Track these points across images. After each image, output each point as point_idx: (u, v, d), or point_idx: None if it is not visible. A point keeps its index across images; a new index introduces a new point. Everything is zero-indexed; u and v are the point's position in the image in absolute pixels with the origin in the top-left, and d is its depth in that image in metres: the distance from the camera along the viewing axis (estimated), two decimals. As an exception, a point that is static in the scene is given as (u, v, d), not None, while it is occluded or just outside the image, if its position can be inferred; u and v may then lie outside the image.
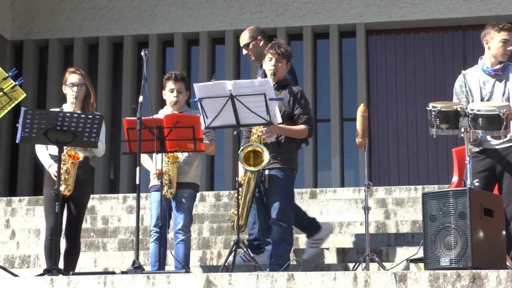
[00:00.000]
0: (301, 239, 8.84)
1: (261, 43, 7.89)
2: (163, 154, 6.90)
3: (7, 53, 16.95)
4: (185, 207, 7.10)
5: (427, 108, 6.50)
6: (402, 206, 9.97)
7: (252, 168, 6.83)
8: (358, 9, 15.95)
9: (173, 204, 7.11)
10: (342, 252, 8.26)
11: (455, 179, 7.79)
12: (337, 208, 9.87)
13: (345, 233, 8.99)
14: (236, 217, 6.78)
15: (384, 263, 7.43)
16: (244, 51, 8.07)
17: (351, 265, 7.66)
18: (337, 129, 15.89)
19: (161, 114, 7.13)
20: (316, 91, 16.31)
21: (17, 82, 6.73)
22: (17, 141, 6.75)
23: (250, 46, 7.96)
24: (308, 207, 10.03)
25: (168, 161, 6.98)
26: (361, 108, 7.53)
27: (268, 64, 7.10)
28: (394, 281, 5.29)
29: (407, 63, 16.06)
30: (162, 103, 8.90)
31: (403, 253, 8.04)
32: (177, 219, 7.09)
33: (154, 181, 7.18)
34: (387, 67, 16.17)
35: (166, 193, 6.97)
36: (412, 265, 7.01)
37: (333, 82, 16.04)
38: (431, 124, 6.47)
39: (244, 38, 8.01)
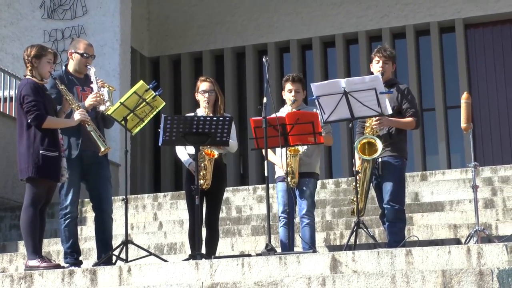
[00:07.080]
0: (415, 218, 8.71)
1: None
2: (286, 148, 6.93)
3: (146, 68, 17.42)
4: (308, 194, 7.10)
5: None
6: (508, 183, 9.69)
7: (368, 157, 6.81)
8: (456, 5, 15.62)
9: (297, 192, 7.13)
10: (454, 228, 8.09)
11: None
12: (447, 188, 9.69)
13: (455, 211, 8.82)
14: (356, 202, 6.75)
15: (494, 236, 7.22)
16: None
17: (463, 240, 7.48)
18: (442, 117, 15.59)
19: (282, 113, 7.15)
20: (420, 83, 16.04)
21: (157, 93, 6.86)
22: (159, 144, 6.90)
23: None
24: (420, 188, 9.89)
25: (290, 154, 7.00)
26: (465, 96, 7.43)
27: (376, 66, 7.09)
28: (505, 252, 5.12)
29: (505, 52, 15.59)
30: (282, 103, 8.92)
31: (511, 226, 7.80)
32: (301, 205, 7.10)
33: (279, 173, 7.21)
34: (486, 57, 15.73)
35: (290, 183, 6.99)
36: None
37: (436, 74, 15.74)
38: None
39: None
